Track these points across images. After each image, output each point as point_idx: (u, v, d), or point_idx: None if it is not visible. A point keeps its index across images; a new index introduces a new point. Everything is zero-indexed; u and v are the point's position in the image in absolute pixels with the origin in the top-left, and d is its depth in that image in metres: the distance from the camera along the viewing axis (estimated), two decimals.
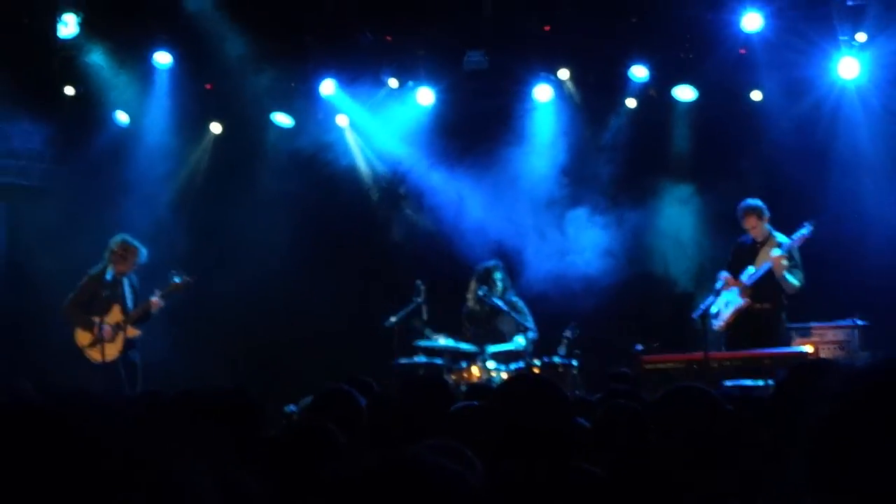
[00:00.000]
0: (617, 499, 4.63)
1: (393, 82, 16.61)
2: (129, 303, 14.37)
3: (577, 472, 4.75)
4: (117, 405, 2.38)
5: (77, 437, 2.27)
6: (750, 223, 13.40)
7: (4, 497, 2.15)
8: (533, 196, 16.27)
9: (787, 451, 3.78)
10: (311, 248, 17.14)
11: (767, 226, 13.36)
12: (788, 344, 13.26)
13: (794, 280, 13.05)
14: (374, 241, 17.21)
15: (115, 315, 14.25)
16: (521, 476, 4.45)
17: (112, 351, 14.15)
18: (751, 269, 13.26)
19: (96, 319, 14.07)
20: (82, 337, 14.28)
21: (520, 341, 14.37)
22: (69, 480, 2.22)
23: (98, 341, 14.13)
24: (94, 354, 14.20)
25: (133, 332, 14.32)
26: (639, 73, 15.61)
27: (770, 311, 13.12)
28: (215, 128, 17.39)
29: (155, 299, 14.31)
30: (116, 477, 2.26)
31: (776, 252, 13.10)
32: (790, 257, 13.14)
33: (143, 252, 14.35)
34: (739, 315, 13.19)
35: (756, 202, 13.46)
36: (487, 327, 14.98)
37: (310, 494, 4.37)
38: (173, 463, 2.35)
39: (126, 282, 14.40)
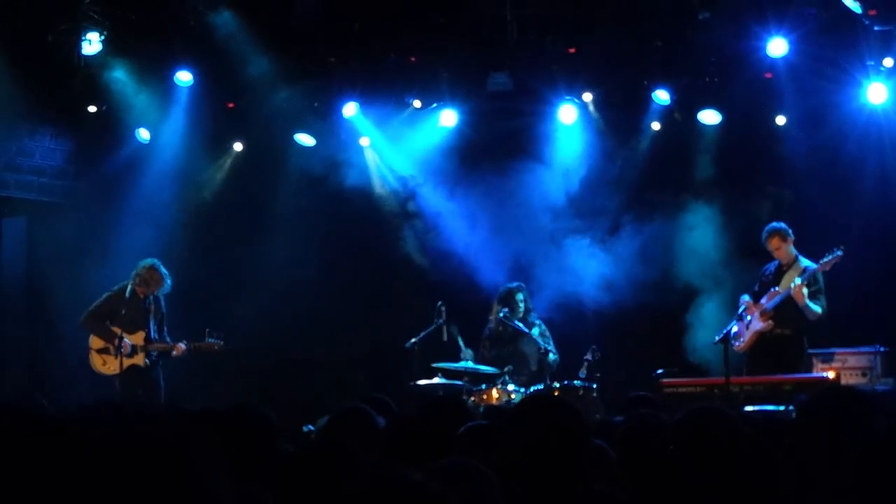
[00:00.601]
0: None
1: (417, 103, 16.60)
2: (153, 326, 14.43)
3: (595, 493, 4.69)
4: (144, 416, 2.35)
5: (101, 448, 2.25)
6: (773, 244, 13.37)
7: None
8: (555, 218, 16.21)
9: (811, 474, 3.72)
10: (331, 268, 17.12)
11: (793, 249, 13.29)
12: (810, 369, 13.18)
13: (816, 307, 12.99)
14: (394, 263, 17.15)
15: (137, 337, 14.31)
16: (535, 496, 4.41)
17: (114, 366, 14.17)
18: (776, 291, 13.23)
19: (117, 331, 14.11)
20: (96, 341, 14.34)
21: (551, 357, 14.35)
22: (89, 490, 2.19)
23: (109, 351, 14.20)
24: (98, 361, 14.29)
25: (144, 362, 14.36)
26: (662, 96, 15.56)
27: (791, 336, 13.05)
28: (237, 146, 17.40)
29: (181, 347, 14.42)
30: (138, 486, 2.23)
31: (797, 281, 13.07)
32: (813, 281, 13.07)
33: (168, 283, 14.50)
34: (760, 339, 13.10)
35: (780, 224, 13.44)
36: (509, 349, 14.94)
37: None
38: (194, 472, 2.32)
39: (150, 303, 14.43)
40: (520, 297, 14.91)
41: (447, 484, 2.82)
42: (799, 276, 13.15)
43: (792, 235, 13.29)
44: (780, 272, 13.36)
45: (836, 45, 14.43)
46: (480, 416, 9.23)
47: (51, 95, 15.93)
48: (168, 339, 14.56)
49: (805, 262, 13.23)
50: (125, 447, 2.29)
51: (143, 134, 16.68)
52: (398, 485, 2.69)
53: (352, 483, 2.75)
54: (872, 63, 14.36)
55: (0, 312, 16.21)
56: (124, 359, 14.14)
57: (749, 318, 13.26)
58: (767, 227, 13.51)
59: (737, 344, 13.16)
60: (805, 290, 13.02)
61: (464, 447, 5.54)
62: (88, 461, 2.25)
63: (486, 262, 16.27)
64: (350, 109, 16.45)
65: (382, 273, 17.30)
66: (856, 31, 14.24)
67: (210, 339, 14.52)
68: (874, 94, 14.49)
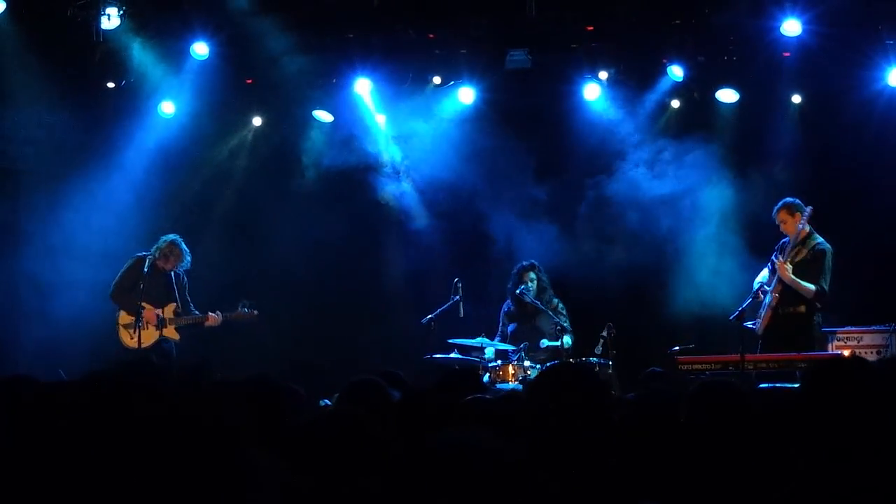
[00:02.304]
0: (650, 483, 4.62)
1: (437, 80, 16.61)
2: (180, 302, 14.53)
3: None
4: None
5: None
6: (780, 217, 13.23)
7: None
8: (573, 195, 16.22)
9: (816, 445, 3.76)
10: (348, 245, 17.16)
11: (804, 226, 13.17)
12: (824, 347, 13.15)
13: (807, 285, 12.86)
14: (411, 240, 17.18)
15: (168, 309, 14.42)
16: (562, 453, 4.43)
17: (146, 339, 14.27)
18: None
19: (144, 305, 14.20)
20: (124, 317, 14.44)
21: (567, 340, 14.37)
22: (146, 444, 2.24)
23: (135, 326, 14.28)
24: (125, 336, 14.37)
25: (173, 334, 14.46)
26: (677, 72, 15.55)
27: (802, 314, 12.98)
28: (256, 121, 17.45)
29: (214, 317, 14.50)
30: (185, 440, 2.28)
31: (782, 258, 13.09)
32: (812, 259, 13.00)
33: (188, 259, 14.56)
34: (773, 316, 13.03)
35: (790, 199, 13.33)
36: (526, 326, 14.98)
37: (342, 480, 4.37)
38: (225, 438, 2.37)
39: (173, 277, 14.51)
40: (532, 275, 14.92)
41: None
42: (807, 252, 13.10)
43: (804, 211, 13.10)
44: (792, 248, 13.25)
45: (857, 24, 14.41)
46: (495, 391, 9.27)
47: (70, 70, 15.98)
48: (195, 312, 14.65)
49: (818, 239, 13.14)
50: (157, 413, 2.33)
51: (166, 108, 16.72)
52: (453, 445, 2.70)
53: (433, 437, 2.76)
54: (893, 42, 14.35)
55: (21, 282, 16.26)
56: (152, 329, 14.26)
57: (764, 297, 13.22)
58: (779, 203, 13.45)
59: (755, 324, 13.11)
60: (789, 267, 13.03)
61: (484, 416, 5.56)
62: (123, 426, 2.30)
63: (502, 238, 16.28)
64: (365, 85, 16.46)
65: (399, 249, 17.32)
66: (876, 11, 14.23)
67: (243, 309, 14.63)
68: (894, 77, 14.54)
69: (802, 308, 12.95)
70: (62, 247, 16.26)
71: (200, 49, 15.82)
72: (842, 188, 15.15)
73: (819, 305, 12.92)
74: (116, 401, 2.28)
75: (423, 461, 2.67)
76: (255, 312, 14.71)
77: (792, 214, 13.18)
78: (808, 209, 13.07)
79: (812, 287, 12.82)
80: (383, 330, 16.72)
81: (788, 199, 13.31)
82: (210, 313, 14.56)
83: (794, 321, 12.85)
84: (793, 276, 12.95)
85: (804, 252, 13.08)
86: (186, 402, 2.32)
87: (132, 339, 14.35)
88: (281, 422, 5.51)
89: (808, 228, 13.16)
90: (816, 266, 13.02)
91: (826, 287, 12.85)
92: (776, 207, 13.30)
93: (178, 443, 2.26)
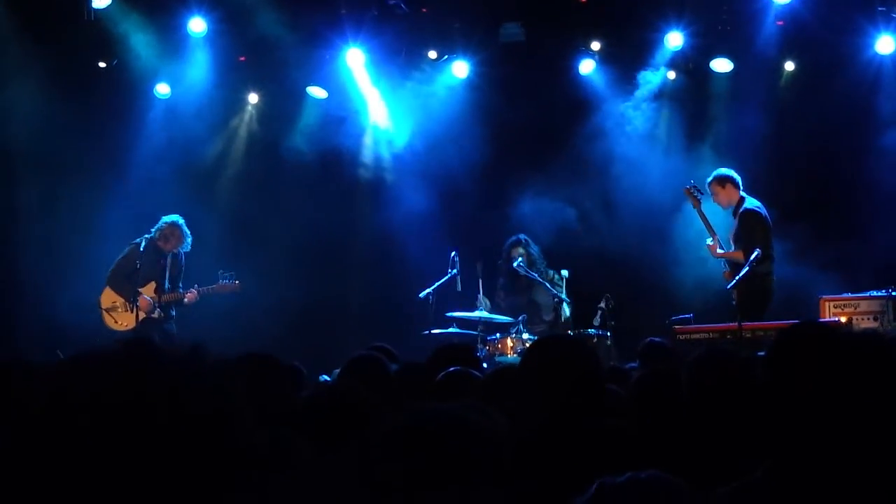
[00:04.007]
0: (649, 452, 4.63)
1: (432, 54, 16.60)
2: (166, 282, 14.51)
3: (610, 426, 4.75)
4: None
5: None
6: (711, 190, 13.43)
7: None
8: (568, 168, 16.19)
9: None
10: (344, 221, 17.18)
11: (740, 195, 13.27)
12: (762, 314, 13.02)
13: (740, 252, 12.97)
14: (406, 214, 17.15)
15: (148, 289, 14.40)
16: (554, 428, 4.45)
17: (127, 321, 14.28)
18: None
19: (137, 290, 14.21)
20: (105, 300, 14.43)
21: (565, 310, 14.40)
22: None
23: (117, 308, 14.30)
24: (109, 320, 14.39)
25: (155, 314, 14.45)
26: (674, 43, 15.54)
27: (751, 280, 12.91)
28: (252, 98, 17.43)
29: (192, 293, 14.50)
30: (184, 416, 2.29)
31: (709, 241, 13.28)
32: (741, 225, 13.10)
33: (188, 241, 14.57)
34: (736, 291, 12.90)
35: (721, 171, 13.44)
36: (523, 298, 15.01)
37: (340, 450, 4.40)
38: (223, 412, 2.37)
39: (168, 258, 14.51)
40: (521, 250, 14.95)
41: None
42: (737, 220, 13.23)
43: (734, 180, 13.27)
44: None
45: None
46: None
47: (62, 51, 15.92)
48: (181, 290, 14.64)
49: (746, 203, 13.25)
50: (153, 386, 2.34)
51: (162, 89, 16.68)
52: (437, 417, 2.71)
53: (390, 417, 2.78)
54: (884, 9, 14.36)
55: (17, 265, 16.26)
56: (124, 314, 14.28)
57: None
58: None
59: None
60: (709, 241, 13.29)
61: (483, 390, 5.58)
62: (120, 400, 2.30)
63: (498, 211, 16.27)
64: (359, 59, 16.44)
65: (395, 223, 17.31)
66: None
67: (223, 281, 14.59)
68: (883, 44, 14.58)
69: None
70: (59, 227, 16.24)
71: (197, 26, 15.78)
72: (834, 154, 15.15)
73: (758, 266, 12.84)
74: (106, 378, 2.27)
75: (393, 433, 2.69)
76: (237, 283, 14.65)
77: (723, 186, 13.30)
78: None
79: (743, 253, 12.84)
80: (381, 306, 16.74)
81: (719, 171, 13.42)
82: (189, 290, 14.54)
83: (746, 290, 12.76)
84: (720, 252, 13.21)
85: (736, 221, 13.20)
86: (184, 380, 2.32)
87: (116, 322, 14.38)
88: (283, 398, 5.54)
89: (740, 196, 13.25)
90: (745, 230, 13.11)
91: (757, 246, 12.72)
92: (707, 180, 13.40)
93: (171, 420, 2.27)
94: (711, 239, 13.36)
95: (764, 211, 13.28)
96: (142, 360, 2.32)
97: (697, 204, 13.52)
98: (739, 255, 12.94)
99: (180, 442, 2.28)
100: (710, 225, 13.42)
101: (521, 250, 14.95)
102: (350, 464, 2.74)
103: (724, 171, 13.41)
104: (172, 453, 2.27)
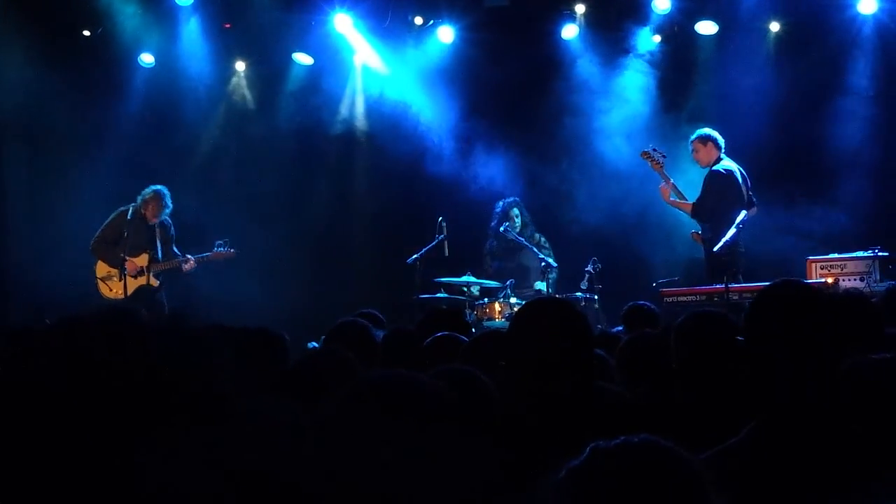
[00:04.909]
0: (640, 417, 4.65)
1: (418, 20, 16.55)
2: (159, 248, 14.51)
3: (601, 390, 4.77)
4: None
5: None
6: (693, 146, 13.61)
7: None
8: (556, 133, 16.18)
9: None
10: (330, 187, 17.20)
11: (717, 155, 13.35)
12: (737, 274, 13.06)
13: (676, 206, 13.30)
14: (394, 180, 17.14)
15: (142, 259, 14.41)
16: (544, 395, 4.45)
17: (120, 289, 14.30)
18: None
19: (124, 256, 14.19)
20: (101, 269, 14.47)
21: (540, 286, 14.43)
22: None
23: (112, 277, 14.31)
24: (104, 288, 14.42)
25: (154, 282, 14.47)
26: (662, 6, 15.51)
27: (711, 238, 12.99)
28: (239, 66, 17.37)
29: (190, 262, 14.48)
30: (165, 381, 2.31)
31: (662, 184, 13.58)
32: (703, 183, 13.22)
33: (167, 211, 14.52)
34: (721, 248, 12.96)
35: (704, 130, 13.58)
36: (511, 263, 15.04)
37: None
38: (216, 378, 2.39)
39: (157, 226, 14.51)
40: (515, 211, 15.02)
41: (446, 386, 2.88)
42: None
43: (715, 140, 13.40)
44: None
45: None
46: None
47: (47, 20, 15.85)
48: (178, 256, 14.66)
49: (716, 166, 13.36)
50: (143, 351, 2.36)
51: (146, 59, 16.62)
52: (399, 381, 2.74)
53: (353, 381, 2.81)
54: None
55: (4, 236, 16.25)
56: (130, 279, 14.28)
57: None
58: None
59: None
60: (662, 185, 13.54)
61: (471, 355, 5.58)
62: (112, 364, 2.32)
63: (485, 177, 16.26)
64: (345, 24, 16.38)
65: (383, 189, 17.31)
66: None
67: (219, 249, 14.62)
68: (865, 4, 14.63)
69: (709, 234, 13.02)
70: (44, 197, 16.23)
71: None
72: (820, 114, 15.15)
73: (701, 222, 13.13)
74: (86, 344, 2.29)
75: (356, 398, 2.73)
76: (233, 251, 14.69)
77: (704, 144, 13.45)
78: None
79: (688, 206, 13.19)
80: (369, 271, 16.77)
81: (703, 130, 13.51)
82: (186, 257, 14.56)
83: (708, 249, 12.89)
84: (672, 200, 13.45)
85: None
86: (163, 348, 2.34)
87: (111, 290, 14.41)
88: (269, 364, 5.56)
89: (718, 157, 13.33)
90: (702, 188, 13.22)
91: (701, 202, 13.12)
92: (691, 137, 13.49)
93: (145, 387, 2.29)
94: (665, 183, 13.43)
95: (735, 175, 13.29)
96: (120, 322, 2.33)
97: (658, 166, 13.61)
98: (687, 207, 13.23)
99: (150, 396, 2.30)
100: (668, 178, 13.51)
101: (515, 211, 14.99)
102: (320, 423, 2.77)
103: (707, 129, 13.51)
104: (142, 405, 2.29)
